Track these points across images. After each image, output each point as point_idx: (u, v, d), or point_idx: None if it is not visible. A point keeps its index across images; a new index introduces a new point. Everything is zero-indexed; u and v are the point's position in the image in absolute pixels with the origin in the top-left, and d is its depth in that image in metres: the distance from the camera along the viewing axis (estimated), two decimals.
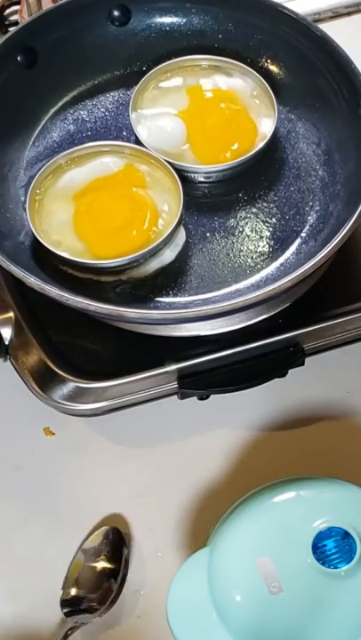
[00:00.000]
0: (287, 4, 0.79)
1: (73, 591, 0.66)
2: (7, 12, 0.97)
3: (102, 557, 0.68)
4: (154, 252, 0.68)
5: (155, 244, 0.68)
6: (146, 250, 0.67)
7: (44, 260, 0.68)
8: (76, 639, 0.65)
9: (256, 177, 0.74)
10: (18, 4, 0.96)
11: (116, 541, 0.68)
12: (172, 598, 0.61)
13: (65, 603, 0.66)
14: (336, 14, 0.97)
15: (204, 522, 0.69)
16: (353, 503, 0.64)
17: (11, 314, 0.71)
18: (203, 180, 0.73)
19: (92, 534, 0.69)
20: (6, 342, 0.71)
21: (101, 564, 0.68)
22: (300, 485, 0.65)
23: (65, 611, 0.66)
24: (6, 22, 0.97)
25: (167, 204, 0.70)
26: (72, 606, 0.66)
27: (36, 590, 0.68)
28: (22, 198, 0.71)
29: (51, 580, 0.68)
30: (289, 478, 0.66)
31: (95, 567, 0.67)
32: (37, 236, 0.68)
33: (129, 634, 0.66)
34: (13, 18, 0.97)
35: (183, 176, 0.71)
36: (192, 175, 0.73)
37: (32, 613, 0.67)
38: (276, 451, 0.73)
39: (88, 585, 0.67)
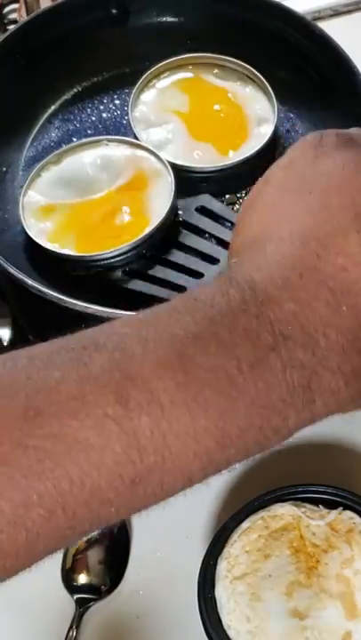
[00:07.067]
0: (286, 3, 0.79)
1: (81, 578, 0.67)
2: (6, 10, 0.97)
3: (100, 535, 0.69)
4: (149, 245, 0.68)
5: (144, 233, 0.67)
6: (137, 238, 0.67)
7: (42, 260, 0.68)
8: (77, 639, 0.65)
9: (256, 177, 0.73)
10: (16, 2, 0.96)
11: None
12: None
13: (74, 588, 0.67)
14: (336, 12, 0.97)
15: (204, 522, 0.69)
16: None
17: (9, 315, 0.71)
18: (202, 179, 0.73)
19: None
20: (5, 343, 0.71)
21: (101, 543, 0.68)
22: None
23: (76, 597, 0.66)
24: (5, 21, 0.97)
25: (161, 202, 0.70)
26: (81, 591, 0.67)
27: (37, 589, 0.68)
28: (20, 198, 0.71)
29: (51, 578, 0.68)
30: None
31: (95, 546, 0.68)
32: (33, 238, 0.68)
33: (128, 634, 0.66)
34: (12, 17, 0.97)
35: (182, 176, 0.71)
36: (191, 175, 0.72)
37: (34, 611, 0.67)
38: (276, 450, 0.73)
39: (92, 567, 0.68)
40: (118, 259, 0.67)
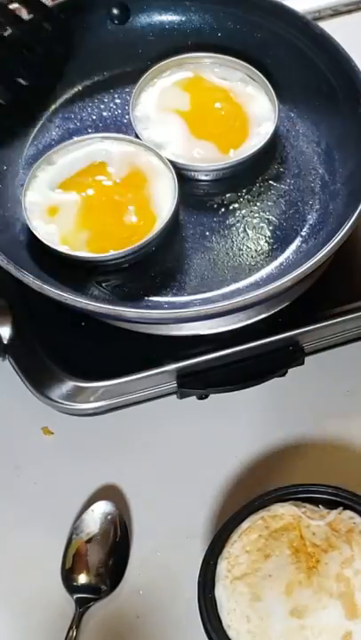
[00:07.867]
0: (287, 2, 0.79)
1: (81, 577, 0.67)
2: None
3: (100, 535, 0.69)
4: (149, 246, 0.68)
5: (148, 236, 0.68)
6: (140, 242, 0.67)
7: (42, 258, 0.68)
8: (77, 639, 0.65)
9: (256, 176, 0.74)
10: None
11: (113, 515, 0.69)
12: None
13: (74, 588, 0.67)
14: (336, 12, 0.97)
15: (204, 521, 0.69)
16: None
17: (9, 313, 0.71)
18: (203, 178, 0.73)
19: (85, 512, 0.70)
20: (5, 342, 0.71)
21: (101, 544, 0.68)
22: None
23: (76, 597, 0.66)
24: None
25: (164, 200, 0.70)
26: (81, 591, 0.67)
27: (37, 589, 0.68)
28: (20, 197, 0.71)
29: (51, 578, 0.68)
30: None
31: (95, 546, 0.68)
32: (44, 241, 0.68)
33: (128, 634, 0.66)
34: None
35: (183, 174, 0.71)
36: (192, 173, 0.73)
37: (34, 611, 0.67)
38: (275, 450, 0.73)
39: (92, 567, 0.68)
40: (129, 257, 0.68)
